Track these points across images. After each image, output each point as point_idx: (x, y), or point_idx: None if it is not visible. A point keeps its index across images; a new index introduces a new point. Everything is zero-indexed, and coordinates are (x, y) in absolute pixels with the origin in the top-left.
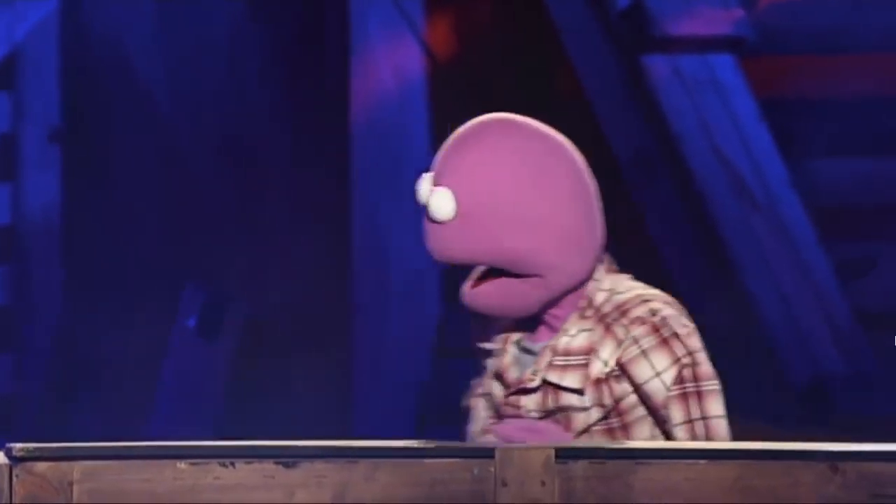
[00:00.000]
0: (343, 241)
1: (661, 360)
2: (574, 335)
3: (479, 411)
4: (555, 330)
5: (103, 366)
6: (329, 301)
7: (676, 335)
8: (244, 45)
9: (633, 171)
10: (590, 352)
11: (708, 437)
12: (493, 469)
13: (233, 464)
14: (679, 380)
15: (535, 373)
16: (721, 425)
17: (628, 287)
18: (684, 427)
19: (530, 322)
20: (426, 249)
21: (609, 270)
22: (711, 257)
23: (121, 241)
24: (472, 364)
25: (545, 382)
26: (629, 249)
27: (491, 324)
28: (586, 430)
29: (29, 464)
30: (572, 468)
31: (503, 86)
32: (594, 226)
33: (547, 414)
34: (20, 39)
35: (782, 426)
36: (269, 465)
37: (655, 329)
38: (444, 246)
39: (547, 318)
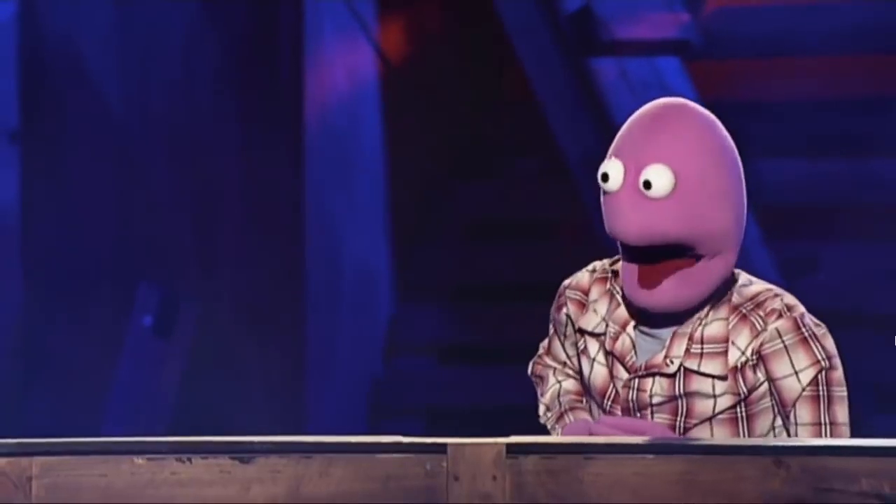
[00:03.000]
0: (296, 240)
1: (801, 359)
2: (708, 323)
3: (549, 388)
4: (678, 317)
5: (60, 362)
6: (282, 299)
7: (815, 336)
8: (199, 46)
9: (582, 170)
10: (726, 340)
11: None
12: (445, 464)
13: (189, 459)
14: (815, 382)
15: (669, 359)
16: (845, 433)
17: (749, 279)
18: (811, 428)
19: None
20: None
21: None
22: None
23: (77, 240)
24: (421, 362)
25: (683, 368)
26: (579, 248)
27: (592, 306)
28: (709, 419)
29: None
30: (523, 463)
31: (455, 88)
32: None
33: (670, 399)
34: None
35: None
36: (224, 461)
37: (797, 326)
38: (657, 223)
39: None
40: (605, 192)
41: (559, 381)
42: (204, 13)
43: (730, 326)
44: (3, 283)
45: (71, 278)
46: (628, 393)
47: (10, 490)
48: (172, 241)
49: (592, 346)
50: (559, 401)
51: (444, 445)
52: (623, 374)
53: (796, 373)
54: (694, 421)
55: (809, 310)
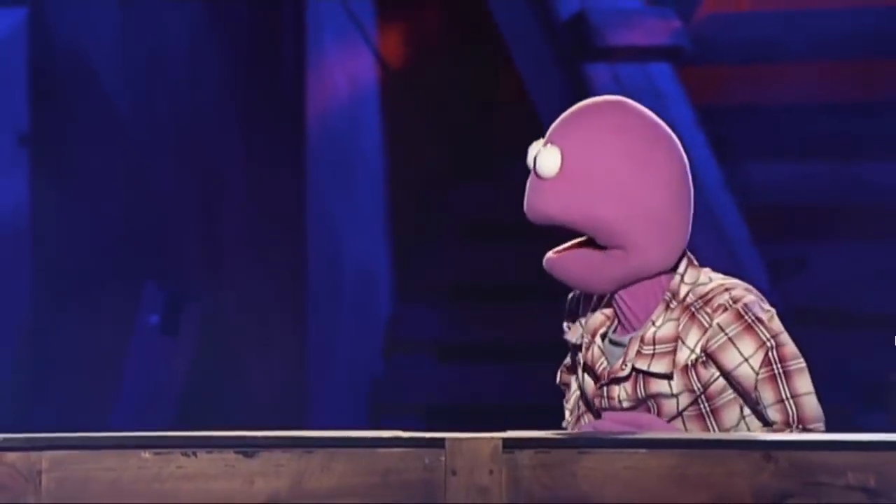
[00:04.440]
0: (298, 241)
1: (747, 345)
2: (660, 325)
3: (572, 393)
4: (641, 323)
5: (69, 359)
6: (284, 299)
7: (759, 320)
8: (203, 52)
9: None
10: (676, 339)
11: (799, 414)
12: (443, 458)
13: (195, 453)
14: (766, 362)
15: (624, 363)
16: (811, 401)
17: (709, 278)
18: (776, 407)
19: (618, 317)
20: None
21: (691, 266)
22: None
23: (85, 240)
24: (421, 360)
25: (634, 371)
26: None
27: (578, 319)
28: (677, 416)
29: None
30: (518, 457)
31: (452, 92)
32: (683, 221)
33: (638, 402)
34: None
35: None
36: (229, 455)
37: (739, 316)
38: (541, 202)
39: (633, 311)
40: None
41: (580, 387)
42: (208, 20)
43: (680, 326)
44: (13, 282)
45: (79, 278)
46: (600, 402)
47: (20, 483)
48: (178, 242)
49: (578, 356)
50: (578, 404)
51: (443, 440)
52: (591, 384)
53: (746, 360)
54: (666, 419)
55: (798, 310)
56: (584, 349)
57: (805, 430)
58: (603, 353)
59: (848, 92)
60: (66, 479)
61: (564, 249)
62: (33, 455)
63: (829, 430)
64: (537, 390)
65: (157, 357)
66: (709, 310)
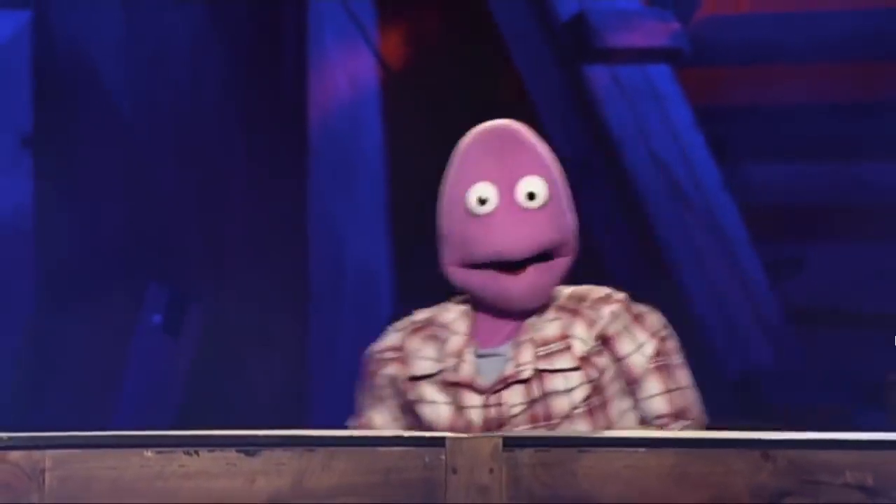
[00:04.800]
0: (299, 242)
1: (640, 334)
2: (541, 328)
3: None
4: (504, 332)
5: (72, 359)
6: (286, 299)
7: (643, 313)
8: (206, 54)
9: (575, 173)
10: (564, 337)
11: (685, 406)
12: (443, 457)
13: (197, 452)
14: (656, 353)
15: (521, 366)
16: (694, 395)
17: (565, 286)
18: (664, 398)
19: (478, 332)
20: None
21: None
22: (648, 256)
23: (88, 241)
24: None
25: (537, 371)
26: None
27: (414, 355)
28: (568, 416)
29: (2, 452)
30: (518, 456)
31: (453, 93)
32: None
33: (529, 405)
34: None
35: (716, 417)
36: (231, 454)
37: (626, 307)
38: (541, 232)
39: (496, 324)
40: (474, 216)
41: (429, 418)
42: (210, 22)
43: (564, 324)
44: (16, 282)
45: (82, 278)
46: (488, 412)
47: (24, 482)
48: (180, 243)
49: (428, 390)
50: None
51: (443, 439)
52: (475, 399)
53: (639, 348)
54: (554, 422)
55: (798, 309)
56: (450, 372)
57: (689, 422)
58: (477, 368)
59: (847, 93)
60: (69, 477)
61: (515, 280)
62: (36, 454)
63: (828, 429)
64: None
65: (160, 357)
66: (588, 303)
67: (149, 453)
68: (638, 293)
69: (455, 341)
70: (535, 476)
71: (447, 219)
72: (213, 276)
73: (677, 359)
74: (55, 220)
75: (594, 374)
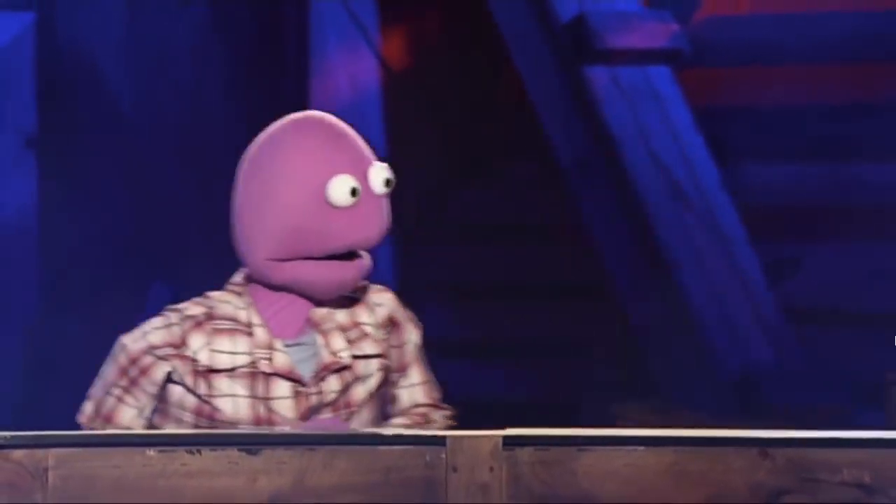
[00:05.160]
0: None
1: (410, 325)
2: (332, 317)
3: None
4: (297, 323)
5: (75, 358)
6: None
7: (404, 305)
8: (208, 55)
9: (575, 174)
10: (357, 324)
11: (439, 397)
12: (444, 456)
13: (199, 451)
14: (420, 344)
15: (337, 353)
16: (436, 386)
17: None
18: (423, 387)
19: (270, 324)
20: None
21: None
22: (648, 256)
23: (92, 241)
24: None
25: (354, 357)
26: (572, 248)
27: (223, 346)
28: (364, 402)
29: (6, 451)
30: (518, 454)
31: (453, 94)
32: None
33: (345, 390)
34: None
35: (716, 416)
36: (233, 453)
37: (395, 297)
38: (388, 217)
39: (287, 314)
40: (337, 208)
41: (231, 410)
42: (212, 24)
43: (348, 312)
44: (20, 283)
45: (85, 278)
46: (306, 401)
47: (27, 480)
48: (183, 243)
49: (224, 383)
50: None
51: (443, 438)
52: (285, 389)
53: (411, 336)
54: (354, 409)
55: (795, 308)
56: (262, 364)
57: (448, 413)
58: (290, 358)
59: (847, 93)
60: (72, 476)
61: (353, 259)
62: (40, 452)
63: (828, 428)
64: (537, 388)
65: None
66: (361, 292)
67: (151, 452)
68: (638, 293)
69: (261, 333)
70: (534, 474)
71: (297, 213)
72: (215, 276)
73: (423, 352)
74: (58, 221)
75: (386, 361)
